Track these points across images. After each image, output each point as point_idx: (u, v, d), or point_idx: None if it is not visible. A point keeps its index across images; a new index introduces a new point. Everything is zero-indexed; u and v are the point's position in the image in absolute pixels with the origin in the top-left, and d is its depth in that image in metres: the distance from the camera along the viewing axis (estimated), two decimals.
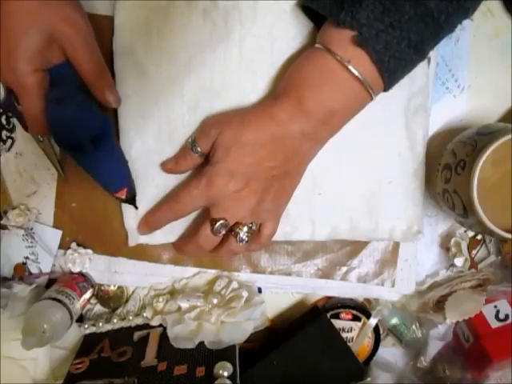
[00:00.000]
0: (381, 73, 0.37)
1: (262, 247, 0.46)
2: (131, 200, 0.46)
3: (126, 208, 0.47)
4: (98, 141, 0.41)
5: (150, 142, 0.46)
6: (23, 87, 0.39)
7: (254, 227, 0.43)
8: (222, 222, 0.42)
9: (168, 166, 0.45)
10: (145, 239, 0.48)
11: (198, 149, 0.43)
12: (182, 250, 0.48)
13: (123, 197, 0.44)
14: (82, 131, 0.40)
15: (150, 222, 0.46)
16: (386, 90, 0.40)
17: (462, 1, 0.36)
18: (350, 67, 0.37)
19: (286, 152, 0.40)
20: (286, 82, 0.41)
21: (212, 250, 0.44)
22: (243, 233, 0.42)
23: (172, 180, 0.47)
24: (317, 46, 0.39)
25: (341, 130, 0.42)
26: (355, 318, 0.54)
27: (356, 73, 0.37)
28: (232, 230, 0.42)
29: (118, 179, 0.45)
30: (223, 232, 0.42)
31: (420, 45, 0.37)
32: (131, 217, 0.47)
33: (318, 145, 0.42)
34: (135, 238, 0.48)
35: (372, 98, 0.40)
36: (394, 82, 0.39)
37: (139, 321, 0.51)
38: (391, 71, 0.38)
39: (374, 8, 0.36)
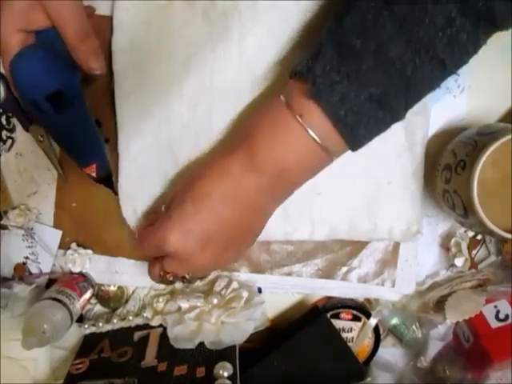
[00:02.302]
0: (337, 128, 0.34)
1: None
2: (105, 180, 0.44)
3: (123, 199, 0.47)
4: (60, 102, 0.37)
5: (148, 141, 0.46)
6: (4, 47, 0.37)
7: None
8: (172, 277, 0.41)
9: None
10: None
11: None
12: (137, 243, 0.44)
13: (93, 174, 0.42)
14: (31, 86, 0.37)
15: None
16: (352, 149, 0.36)
17: (431, 51, 0.32)
18: (302, 121, 0.34)
19: (242, 208, 0.38)
20: (242, 130, 0.39)
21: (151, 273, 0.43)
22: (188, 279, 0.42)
23: (170, 180, 0.46)
24: (281, 96, 0.37)
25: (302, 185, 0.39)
26: (355, 318, 0.54)
27: (308, 129, 0.34)
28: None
29: (85, 151, 0.42)
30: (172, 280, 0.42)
31: (384, 99, 0.33)
32: (127, 205, 0.47)
33: (276, 201, 0.40)
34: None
35: (332, 159, 0.37)
36: (360, 140, 0.35)
37: (139, 321, 0.51)
38: (350, 127, 0.34)
39: (331, 58, 0.33)
